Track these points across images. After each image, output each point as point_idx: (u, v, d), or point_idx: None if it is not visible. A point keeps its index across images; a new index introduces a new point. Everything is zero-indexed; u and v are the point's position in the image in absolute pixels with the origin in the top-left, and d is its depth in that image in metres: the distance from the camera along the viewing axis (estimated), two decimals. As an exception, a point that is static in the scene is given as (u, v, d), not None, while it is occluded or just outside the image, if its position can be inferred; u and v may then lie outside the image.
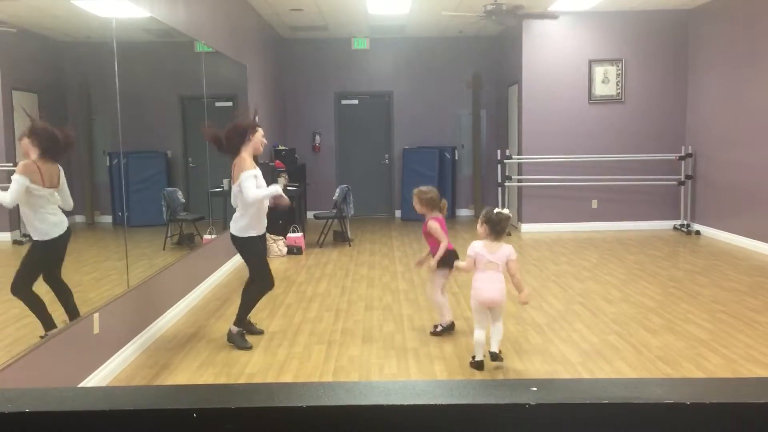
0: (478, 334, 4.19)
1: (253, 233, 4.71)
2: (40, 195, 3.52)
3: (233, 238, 4.75)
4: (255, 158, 4.75)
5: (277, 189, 4.75)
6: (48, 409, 0.71)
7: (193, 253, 6.18)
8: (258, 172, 4.64)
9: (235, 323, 4.76)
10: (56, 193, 3.64)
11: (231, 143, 4.65)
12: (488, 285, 4.16)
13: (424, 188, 5.01)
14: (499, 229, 4.22)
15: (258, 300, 4.88)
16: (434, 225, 4.85)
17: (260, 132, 4.74)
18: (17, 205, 3.46)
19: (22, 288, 3.49)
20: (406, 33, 11.33)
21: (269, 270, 4.88)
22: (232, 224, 4.74)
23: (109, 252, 4.66)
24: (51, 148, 3.59)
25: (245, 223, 4.66)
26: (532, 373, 4.16)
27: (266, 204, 4.80)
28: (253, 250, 4.78)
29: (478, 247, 4.22)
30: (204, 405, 0.71)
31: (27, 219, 3.54)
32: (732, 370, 4.14)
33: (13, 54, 3.41)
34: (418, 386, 0.76)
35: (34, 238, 3.59)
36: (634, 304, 5.70)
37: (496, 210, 4.28)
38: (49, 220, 3.63)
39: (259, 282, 4.84)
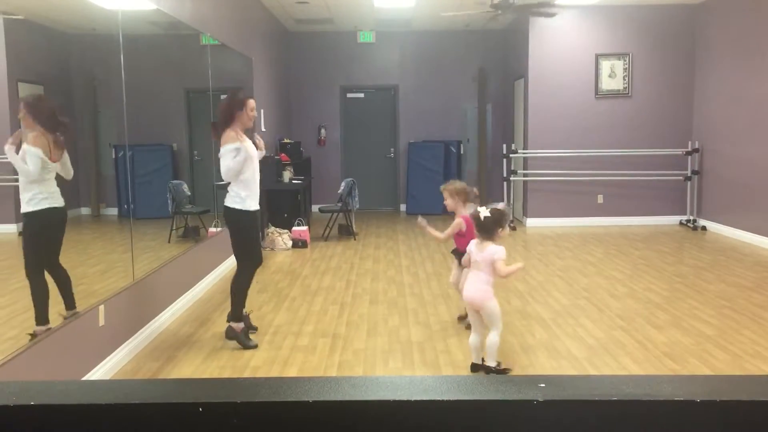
0: (472, 339, 4.08)
1: (243, 206, 4.55)
2: (46, 168, 3.53)
3: (225, 210, 4.61)
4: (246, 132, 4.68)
5: (250, 154, 4.56)
6: (53, 402, 0.71)
7: (198, 246, 6.18)
8: (242, 143, 4.49)
9: (234, 319, 4.62)
10: (58, 165, 3.63)
11: (226, 112, 4.57)
12: (468, 284, 4.07)
13: (451, 181, 4.99)
14: (483, 228, 4.00)
15: (248, 287, 4.72)
16: (459, 220, 4.76)
17: (249, 105, 4.59)
18: (17, 196, 3.45)
19: (31, 271, 3.49)
20: (411, 26, 11.30)
21: (256, 251, 4.72)
22: (225, 199, 4.62)
23: (115, 244, 4.67)
24: (49, 118, 3.58)
25: (234, 193, 4.55)
26: (538, 369, 4.15)
27: (257, 176, 4.65)
28: (242, 225, 4.60)
29: (471, 246, 4.10)
30: (210, 399, 0.70)
31: (26, 188, 3.49)
32: (738, 367, 4.12)
33: (19, 46, 3.41)
34: (425, 382, 0.75)
35: (30, 209, 3.51)
36: (640, 299, 5.69)
37: (483, 208, 4.06)
38: (48, 189, 3.60)
39: (240, 268, 4.68)
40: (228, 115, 4.55)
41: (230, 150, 4.46)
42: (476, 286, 3.99)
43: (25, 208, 3.49)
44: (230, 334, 4.62)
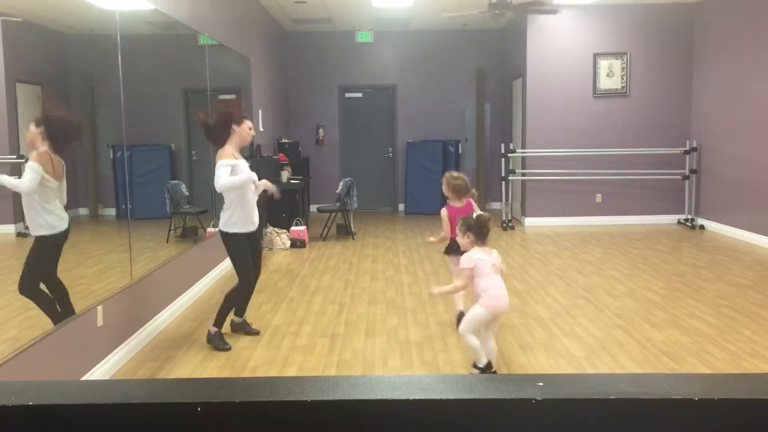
0: (476, 340, 3.90)
1: (238, 229, 4.55)
2: (49, 187, 3.52)
3: (220, 233, 4.65)
4: (241, 150, 4.68)
5: (251, 176, 4.53)
6: (52, 402, 0.70)
7: (197, 246, 6.18)
8: (238, 162, 4.50)
9: (214, 324, 4.63)
10: (58, 186, 3.63)
11: (216, 132, 4.53)
12: (503, 291, 3.90)
13: (455, 173, 5.05)
14: (485, 232, 3.93)
15: (239, 302, 4.74)
16: (444, 212, 4.88)
17: (247, 123, 4.59)
18: (20, 198, 3.45)
19: (30, 288, 3.48)
20: (410, 26, 11.30)
21: (252, 271, 4.72)
22: (220, 221, 4.64)
23: (113, 244, 4.67)
24: (62, 138, 3.58)
25: (228, 216, 4.54)
26: (536, 368, 4.16)
27: (252, 197, 4.63)
28: (236, 248, 4.61)
29: (477, 255, 3.89)
30: (209, 399, 0.70)
31: (34, 211, 3.49)
32: (736, 365, 4.13)
33: (17, 46, 3.40)
34: (423, 381, 0.75)
35: (41, 233, 3.54)
36: (639, 298, 5.69)
37: (474, 214, 4.05)
38: (57, 212, 3.62)
39: (241, 282, 4.68)
40: (227, 126, 4.52)
41: (223, 165, 4.44)
42: (505, 291, 3.95)
43: (38, 231, 3.49)
44: (208, 338, 4.64)
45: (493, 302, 3.85)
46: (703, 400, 0.70)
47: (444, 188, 5.00)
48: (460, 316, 4.91)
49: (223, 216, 4.59)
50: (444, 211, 4.90)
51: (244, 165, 4.57)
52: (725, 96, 8.87)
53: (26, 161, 3.40)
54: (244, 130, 4.58)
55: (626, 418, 0.71)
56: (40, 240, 3.55)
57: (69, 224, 3.75)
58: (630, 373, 0.77)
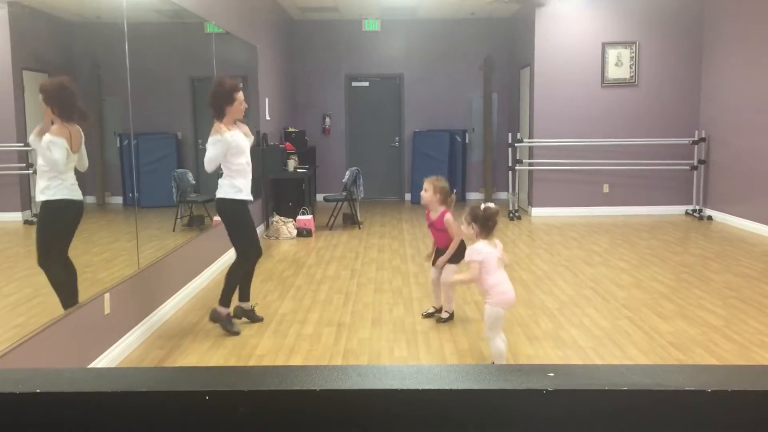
0: (503, 344, 3.84)
1: (242, 196, 4.53)
2: (68, 159, 3.53)
3: (217, 202, 4.58)
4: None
5: (240, 141, 4.50)
6: (59, 389, 0.70)
7: (203, 235, 6.19)
8: (233, 136, 4.45)
9: (222, 304, 4.62)
10: (76, 156, 3.63)
11: (215, 104, 4.50)
12: (509, 286, 3.84)
13: (437, 177, 4.93)
14: (491, 224, 3.83)
15: (240, 279, 4.71)
16: (450, 218, 4.76)
17: (238, 99, 4.52)
18: (27, 181, 3.45)
19: (46, 260, 3.50)
20: (417, 15, 11.25)
21: (253, 242, 4.71)
22: (218, 190, 4.58)
23: (120, 233, 4.68)
24: (68, 105, 3.56)
25: (228, 182, 4.51)
26: (543, 358, 4.15)
27: (249, 166, 4.60)
28: (238, 216, 4.57)
29: (485, 249, 3.79)
30: (217, 387, 0.70)
31: (42, 177, 3.46)
32: (745, 357, 4.11)
33: (24, 34, 3.40)
34: (432, 371, 0.75)
35: (44, 198, 3.47)
36: (646, 289, 5.67)
37: (482, 206, 3.89)
38: (66, 181, 3.60)
39: (239, 257, 4.68)
40: (218, 109, 4.50)
41: (213, 143, 4.46)
42: (511, 285, 3.89)
43: (39, 197, 3.48)
44: (214, 316, 4.65)
45: (503, 298, 3.82)
46: (716, 392, 0.70)
47: (429, 195, 4.77)
48: (438, 311, 4.91)
49: (223, 182, 4.54)
50: (451, 217, 4.75)
51: (239, 136, 4.52)
52: (735, 86, 8.80)
53: (41, 138, 3.38)
54: (236, 108, 4.53)
55: (638, 410, 0.70)
56: (42, 207, 3.51)
57: (81, 201, 3.73)
58: (642, 365, 0.76)
